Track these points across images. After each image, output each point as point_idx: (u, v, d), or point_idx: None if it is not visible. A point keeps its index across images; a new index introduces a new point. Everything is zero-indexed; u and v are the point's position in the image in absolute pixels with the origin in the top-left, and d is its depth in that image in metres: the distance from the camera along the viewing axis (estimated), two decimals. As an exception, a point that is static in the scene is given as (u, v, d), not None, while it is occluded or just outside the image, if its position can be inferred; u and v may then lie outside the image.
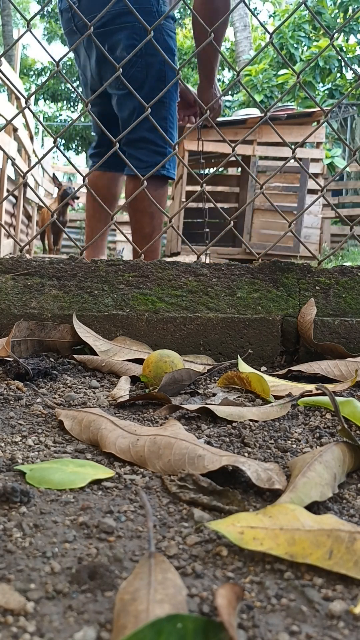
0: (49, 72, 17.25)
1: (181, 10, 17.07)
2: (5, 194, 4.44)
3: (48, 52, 1.43)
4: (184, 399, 0.89)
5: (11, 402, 0.84)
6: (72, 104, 18.43)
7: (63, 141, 17.81)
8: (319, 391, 0.88)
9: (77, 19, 1.83)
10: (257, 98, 10.45)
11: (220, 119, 4.75)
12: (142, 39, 1.53)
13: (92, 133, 2.23)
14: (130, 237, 1.85)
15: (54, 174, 7.94)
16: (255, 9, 21.37)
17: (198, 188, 2.88)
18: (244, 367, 1.05)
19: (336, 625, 0.38)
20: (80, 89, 2.15)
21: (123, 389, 0.92)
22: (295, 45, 10.95)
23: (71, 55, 2.63)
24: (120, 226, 1.54)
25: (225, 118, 5.56)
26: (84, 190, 9.24)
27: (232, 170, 7.05)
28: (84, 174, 1.42)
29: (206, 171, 9.83)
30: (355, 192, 10.55)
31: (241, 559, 0.45)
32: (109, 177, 2.06)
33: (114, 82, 1.72)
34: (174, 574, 0.40)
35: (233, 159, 1.81)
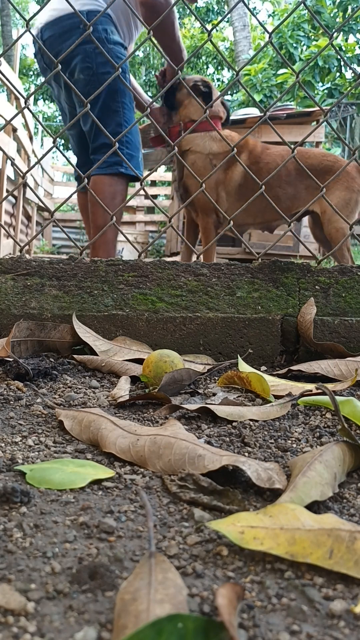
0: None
1: (180, 10, 17.04)
2: (4, 194, 4.44)
3: (48, 52, 1.43)
4: (184, 398, 0.89)
5: (11, 402, 0.84)
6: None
7: (62, 141, 17.80)
8: (319, 390, 0.88)
9: (44, 56, 2.13)
10: (257, 98, 10.45)
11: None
12: (94, 62, 1.95)
13: (73, 155, 2.49)
14: (130, 237, 1.91)
15: None
16: (254, 8, 21.38)
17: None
18: (244, 367, 1.05)
19: (337, 624, 0.38)
20: (62, 116, 2.40)
21: (123, 389, 0.92)
22: (294, 45, 10.96)
23: None
24: (120, 226, 1.54)
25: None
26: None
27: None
28: (84, 174, 1.42)
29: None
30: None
31: (242, 558, 0.45)
32: (86, 196, 2.31)
33: (78, 102, 2.02)
34: (175, 574, 0.40)
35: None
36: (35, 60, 2.26)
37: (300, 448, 0.71)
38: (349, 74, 10.92)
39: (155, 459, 0.62)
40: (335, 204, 2.60)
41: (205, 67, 17.81)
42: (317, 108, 4.62)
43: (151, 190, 9.86)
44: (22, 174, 1.40)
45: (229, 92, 13.29)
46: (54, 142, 1.35)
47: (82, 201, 2.47)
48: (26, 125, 5.89)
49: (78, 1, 1.96)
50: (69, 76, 2.06)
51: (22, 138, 5.37)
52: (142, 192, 1.43)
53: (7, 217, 5.57)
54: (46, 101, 18.51)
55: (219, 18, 15.12)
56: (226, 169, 2.72)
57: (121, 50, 2.13)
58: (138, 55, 17.14)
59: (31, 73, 17.54)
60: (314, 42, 10.90)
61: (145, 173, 2.74)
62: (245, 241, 1.65)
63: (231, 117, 3.14)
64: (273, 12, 13.09)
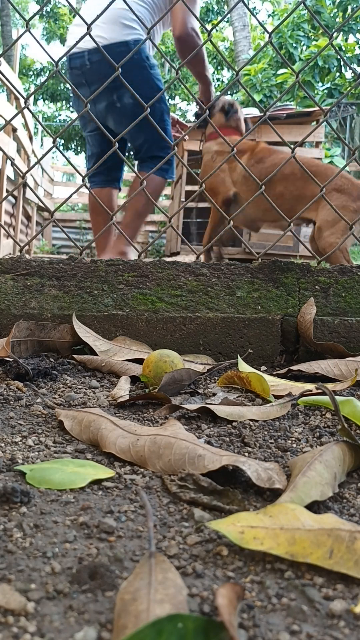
0: (48, 72, 17.25)
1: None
2: (4, 194, 4.44)
3: (47, 52, 1.43)
4: (184, 398, 0.89)
5: (11, 402, 0.84)
6: (71, 104, 18.45)
7: (62, 141, 17.80)
8: (319, 390, 0.88)
9: (87, 76, 2.35)
10: (256, 97, 10.45)
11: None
12: (142, 88, 2.08)
13: (89, 152, 2.73)
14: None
15: None
16: (254, 8, 21.37)
17: (197, 188, 3.09)
18: (243, 367, 1.05)
19: (337, 624, 0.38)
20: (80, 120, 2.67)
21: (123, 389, 0.92)
22: (294, 45, 10.95)
23: None
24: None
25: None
26: (83, 190, 9.23)
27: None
28: (83, 174, 1.42)
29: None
30: (355, 192, 10.54)
31: (241, 558, 0.46)
32: (106, 192, 2.59)
33: (124, 122, 2.32)
34: (175, 574, 0.40)
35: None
36: (68, 71, 2.45)
37: (300, 448, 0.71)
38: (348, 74, 10.92)
39: (155, 459, 0.62)
40: (332, 218, 2.63)
41: (205, 67, 17.79)
42: (317, 108, 4.61)
43: (151, 190, 9.84)
44: (22, 174, 1.40)
45: (229, 92, 13.28)
46: (53, 142, 1.35)
47: (98, 195, 2.59)
48: (26, 125, 5.89)
49: (123, 31, 2.12)
50: (117, 99, 2.33)
51: (22, 138, 5.37)
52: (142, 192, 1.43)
53: (7, 217, 5.57)
54: (46, 101, 18.51)
55: (219, 18, 15.11)
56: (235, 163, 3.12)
57: (158, 72, 2.43)
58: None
59: (31, 73, 17.54)
60: (314, 42, 10.90)
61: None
62: (245, 241, 1.66)
63: None
64: (273, 12, 13.09)
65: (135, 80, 2.13)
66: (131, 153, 2.83)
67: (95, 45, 2.07)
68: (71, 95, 17.68)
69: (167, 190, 8.03)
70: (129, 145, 2.65)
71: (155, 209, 9.53)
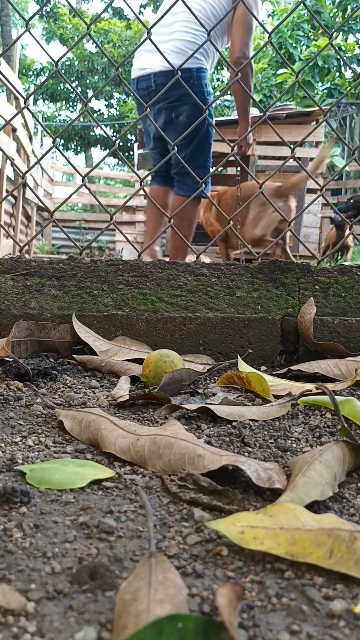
0: (47, 72, 17.24)
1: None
2: (4, 194, 4.44)
3: (47, 52, 1.43)
4: (183, 398, 0.89)
5: (11, 402, 0.84)
6: (71, 104, 18.41)
7: (62, 141, 17.79)
8: (319, 390, 0.88)
9: (152, 96, 2.69)
10: (256, 97, 10.45)
11: (219, 118, 4.75)
12: (197, 112, 2.57)
13: (151, 163, 3.18)
14: (129, 237, 1.97)
15: None
16: (253, 8, 21.32)
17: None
18: (243, 367, 1.05)
19: (337, 624, 0.38)
20: (145, 138, 3.04)
21: (123, 389, 0.92)
22: (294, 45, 10.96)
23: (70, 55, 3.57)
24: (120, 226, 1.54)
25: (224, 118, 5.56)
26: (83, 190, 9.20)
27: (231, 170, 7.04)
28: (83, 174, 1.42)
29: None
30: (355, 191, 10.55)
31: (241, 558, 0.46)
32: (164, 190, 2.99)
33: (174, 136, 2.65)
34: (175, 574, 0.40)
35: (232, 158, 1.83)
36: (134, 92, 2.79)
37: (300, 448, 0.71)
38: (348, 74, 10.93)
39: (155, 459, 0.62)
40: (251, 220, 3.85)
41: (204, 67, 17.78)
42: (317, 108, 4.61)
43: (151, 190, 9.85)
44: (21, 174, 1.40)
45: (229, 92, 13.28)
46: (53, 142, 1.35)
47: (157, 192, 3.00)
48: (26, 125, 5.89)
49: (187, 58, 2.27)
50: (175, 117, 2.69)
51: (21, 138, 5.37)
52: (141, 192, 1.43)
53: (6, 217, 5.57)
54: (46, 101, 18.50)
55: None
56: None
57: (212, 98, 2.76)
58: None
59: (30, 73, 17.53)
60: (314, 42, 10.90)
61: (145, 173, 3.01)
62: (245, 241, 1.67)
63: (230, 117, 3.49)
64: (273, 12, 13.08)
65: (193, 103, 2.58)
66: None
67: (160, 69, 2.61)
68: (76, 100, 17.59)
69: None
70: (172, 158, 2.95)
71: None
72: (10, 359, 0.97)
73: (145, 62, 2.65)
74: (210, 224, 4.65)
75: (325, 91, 10.74)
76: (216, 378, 1.06)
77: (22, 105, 1.34)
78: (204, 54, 2.66)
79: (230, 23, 2.61)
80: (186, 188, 2.78)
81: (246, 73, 2.62)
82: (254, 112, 4.74)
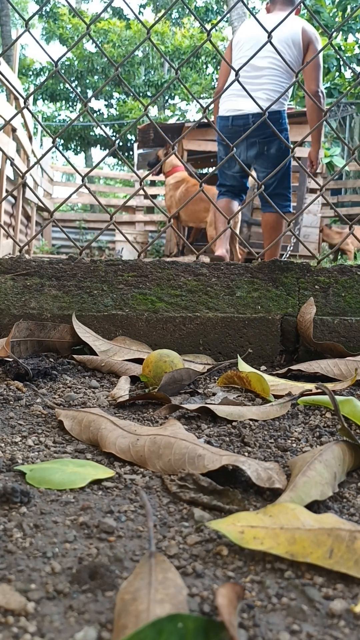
0: (47, 72, 17.23)
1: (179, 9, 17.05)
2: (4, 194, 4.44)
3: (47, 52, 1.43)
4: (183, 398, 0.89)
5: (11, 402, 0.84)
6: (70, 104, 18.42)
7: (62, 141, 17.80)
8: (319, 390, 0.88)
9: (250, 133, 3.14)
10: (256, 97, 10.42)
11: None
12: (283, 146, 3.29)
13: (229, 182, 3.71)
14: (129, 237, 1.97)
15: None
16: (253, 8, 21.36)
17: (197, 187, 3.46)
18: (243, 367, 1.05)
19: (337, 624, 0.38)
20: (228, 163, 3.56)
21: (123, 389, 0.92)
22: (293, 45, 10.93)
23: (70, 55, 3.77)
24: (119, 226, 1.54)
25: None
26: (83, 190, 9.20)
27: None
28: (83, 174, 1.42)
29: (205, 170, 9.81)
30: (355, 191, 10.55)
31: (241, 558, 0.46)
32: (232, 203, 3.66)
33: (265, 164, 3.42)
34: (175, 574, 0.40)
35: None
36: (228, 129, 3.40)
37: (300, 448, 0.71)
38: (348, 74, 10.92)
39: (155, 458, 0.62)
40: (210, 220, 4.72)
41: (204, 66, 17.81)
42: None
43: (150, 190, 9.86)
44: (21, 174, 1.40)
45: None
46: (53, 142, 1.35)
47: (227, 205, 3.65)
48: (25, 125, 5.89)
49: (275, 104, 2.43)
50: (266, 150, 3.38)
51: (21, 138, 5.37)
52: (141, 192, 1.43)
53: (6, 217, 5.56)
54: (45, 101, 18.51)
55: (218, 18, 15.10)
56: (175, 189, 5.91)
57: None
58: (137, 55, 17.14)
59: (30, 73, 17.54)
60: (313, 42, 10.87)
61: (145, 173, 3.06)
62: (245, 241, 1.67)
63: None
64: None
65: (280, 142, 3.39)
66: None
67: (257, 111, 3.26)
68: (75, 100, 17.57)
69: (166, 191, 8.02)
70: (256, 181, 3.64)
71: (154, 209, 9.50)
72: (10, 359, 0.97)
73: (241, 104, 3.35)
74: (170, 204, 5.80)
75: (325, 91, 10.73)
76: (216, 378, 1.06)
77: (22, 105, 1.34)
78: (286, 97, 3.38)
79: (299, 63, 3.23)
80: (278, 206, 3.21)
81: (321, 104, 3.22)
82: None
